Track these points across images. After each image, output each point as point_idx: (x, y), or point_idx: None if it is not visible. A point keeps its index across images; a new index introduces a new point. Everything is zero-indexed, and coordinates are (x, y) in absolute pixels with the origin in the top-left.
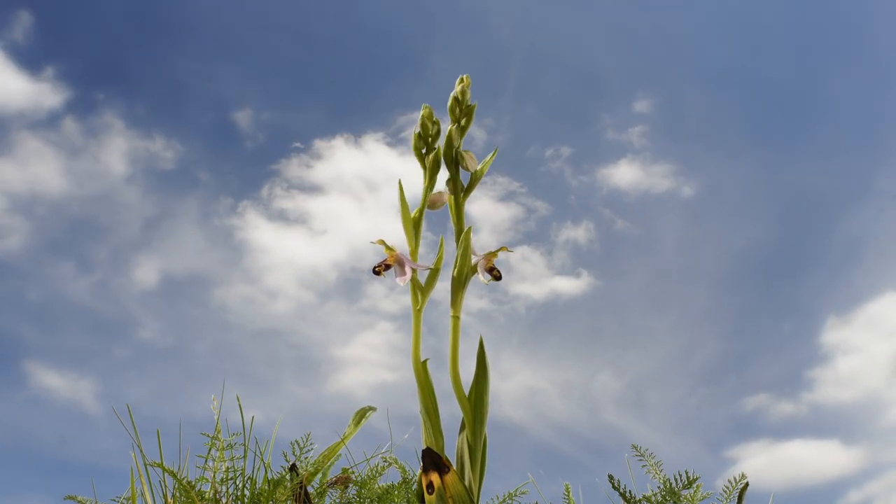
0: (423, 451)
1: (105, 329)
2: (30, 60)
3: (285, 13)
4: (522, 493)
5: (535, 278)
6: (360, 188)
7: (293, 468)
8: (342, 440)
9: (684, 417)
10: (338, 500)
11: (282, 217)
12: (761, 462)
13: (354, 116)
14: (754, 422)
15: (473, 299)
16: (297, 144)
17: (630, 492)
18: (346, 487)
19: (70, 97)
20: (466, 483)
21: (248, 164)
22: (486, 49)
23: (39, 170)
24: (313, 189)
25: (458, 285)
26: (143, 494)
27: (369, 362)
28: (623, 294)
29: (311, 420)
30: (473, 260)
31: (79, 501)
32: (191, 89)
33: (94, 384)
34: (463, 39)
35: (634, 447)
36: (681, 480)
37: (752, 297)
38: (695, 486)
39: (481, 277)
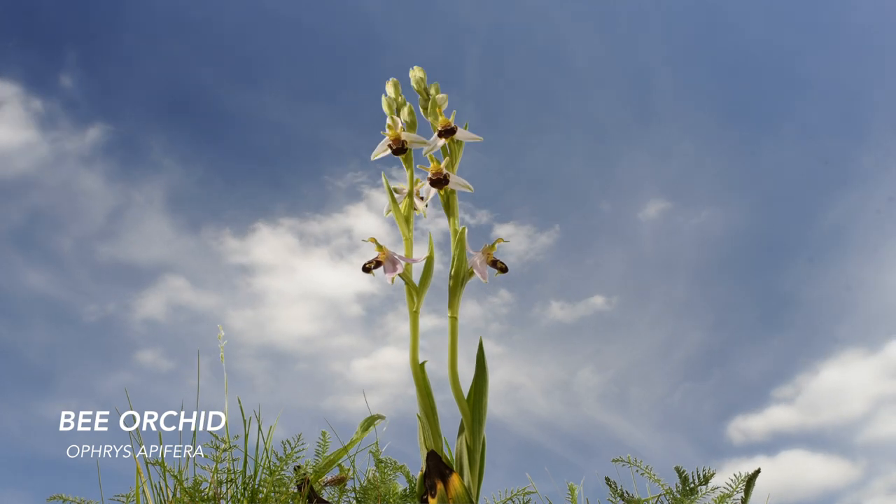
0: (428, 455)
1: (115, 360)
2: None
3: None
4: (530, 492)
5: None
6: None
7: (297, 469)
8: (348, 445)
9: (669, 414)
10: (336, 499)
11: (305, 241)
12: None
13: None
14: (737, 430)
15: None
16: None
17: (627, 492)
18: (343, 486)
19: (102, 131)
20: (466, 484)
21: (270, 186)
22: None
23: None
24: (337, 212)
25: (455, 286)
26: (144, 493)
27: (381, 379)
28: (601, 286)
29: (312, 427)
30: (470, 258)
31: (63, 499)
32: (213, 108)
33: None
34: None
35: (618, 460)
36: (695, 477)
37: (732, 288)
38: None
39: (482, 277)
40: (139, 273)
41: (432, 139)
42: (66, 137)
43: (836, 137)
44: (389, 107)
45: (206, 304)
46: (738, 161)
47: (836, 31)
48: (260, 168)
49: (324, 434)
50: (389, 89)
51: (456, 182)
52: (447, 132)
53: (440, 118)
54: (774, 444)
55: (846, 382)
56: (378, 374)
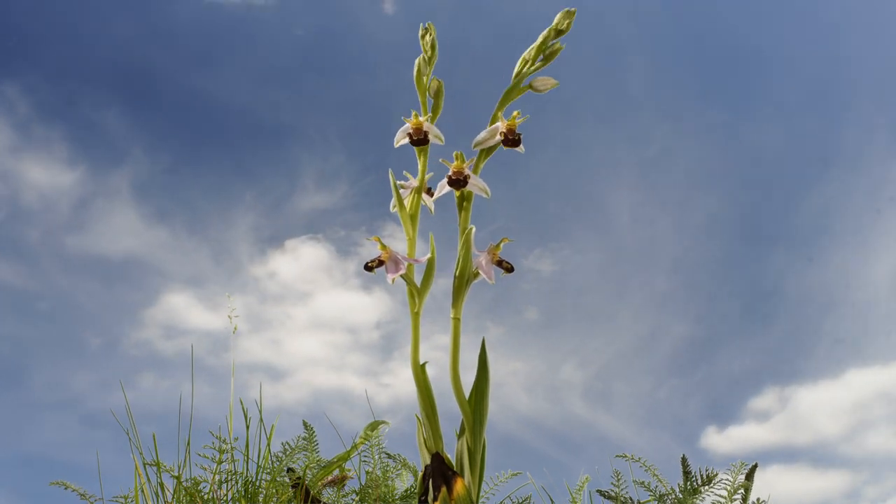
0: (433, 457)
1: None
2: None
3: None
4: (516, 473)
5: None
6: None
7: (290, 470)
8: (350, 450)
9: (655, 410)
10: (335, 500)
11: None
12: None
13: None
14: (725, 433)
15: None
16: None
17: (621, 496)
18: (343, 486)
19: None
20: (467, 485)
21: (238, 174)
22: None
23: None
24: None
25: (460, 287)
26: (142, 491)
27: (393, 395)
28: (579, 277)
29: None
30: (475, 258)
31: (66, 486)
32: (175, 94)
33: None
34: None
35: (623, 456)
36: (697, 477)
37: (715, 278)
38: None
39: (489, 278)
40: (111, 266)
41: (483, 135)
42: (29, 126)
43: (816, 116)
44: (420, 72)
45: (201, 316)
46: (716, 144)
47: (810, 5)
48: (229, 156)
49: (305, 423)
50: (426, 46)
51: (474, 184)
52: (513, 142)
53: (512, 119)
54: (764, 449)
55: (834, 387)
56: (390, 390)
